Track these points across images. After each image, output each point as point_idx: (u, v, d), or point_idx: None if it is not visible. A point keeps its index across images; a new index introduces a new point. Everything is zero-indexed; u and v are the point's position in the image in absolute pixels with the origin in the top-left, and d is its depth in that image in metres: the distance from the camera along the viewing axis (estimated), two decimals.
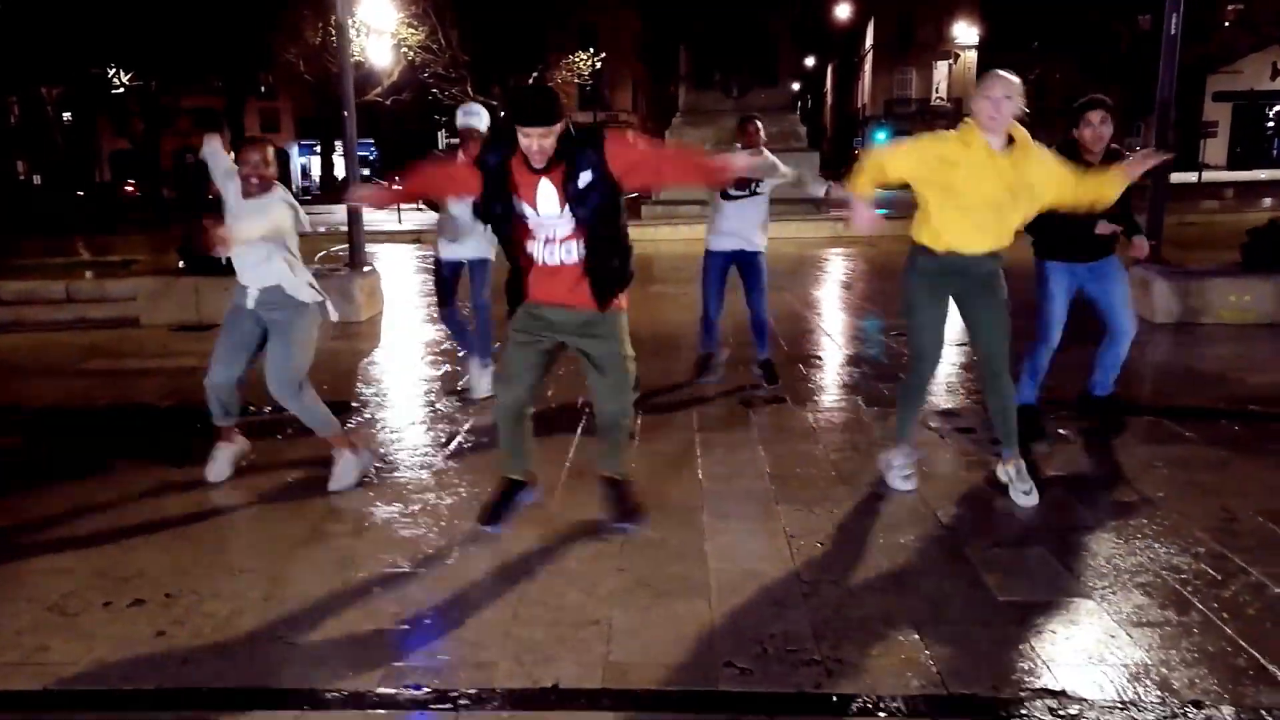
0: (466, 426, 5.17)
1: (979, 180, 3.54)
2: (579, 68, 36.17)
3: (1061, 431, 4.79)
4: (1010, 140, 3.55)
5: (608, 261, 3.27)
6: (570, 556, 3.43)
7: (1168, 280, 7.75)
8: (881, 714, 2.44)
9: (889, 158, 3.74)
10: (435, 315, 7.73)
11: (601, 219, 3.20)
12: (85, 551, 3.55)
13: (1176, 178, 27.10)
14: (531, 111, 3.01)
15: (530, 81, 31.69)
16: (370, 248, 13.41)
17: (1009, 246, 3.76)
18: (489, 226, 3.41)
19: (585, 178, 3.12)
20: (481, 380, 5.71)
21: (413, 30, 29.45)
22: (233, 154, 4.32)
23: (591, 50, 36.55)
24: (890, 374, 6.20)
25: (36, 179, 39.12)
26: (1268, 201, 21.39)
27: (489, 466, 4.45)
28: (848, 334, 7.85)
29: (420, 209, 27.06)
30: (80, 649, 2.82)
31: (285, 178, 50.83)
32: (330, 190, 45.45)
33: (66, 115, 36.62)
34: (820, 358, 6.84)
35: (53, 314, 8.99)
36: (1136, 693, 2.49)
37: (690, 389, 5.87)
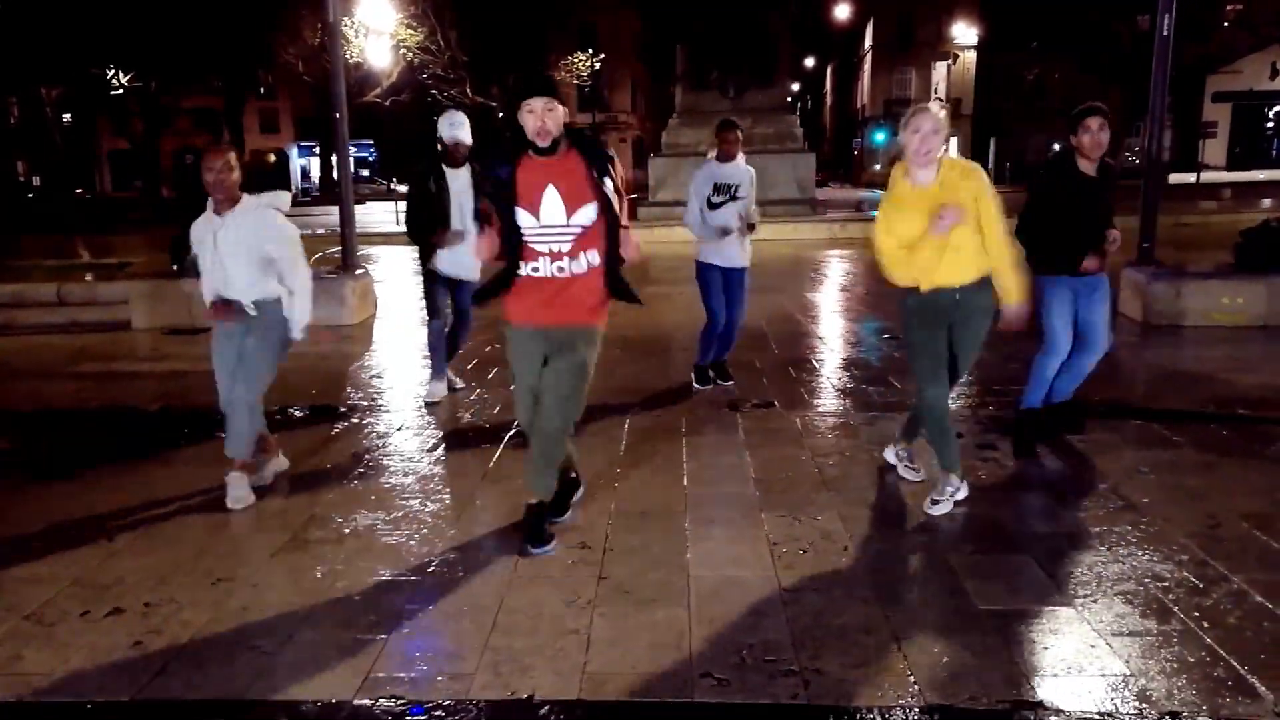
0: (453, 431, 5.15)
1: (919, 218, 3.58)
2: (578, 68, 36.15)
3: (1054, 438, 4.77)
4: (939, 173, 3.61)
5: (613, 272, 3.36)
6: (551, 563, 3.42)
7: (1160, 282, 7.73)
8: None
9: (894, 236, 3.70)
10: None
11: (610, 229, 3.29)
12: (65, 558, 3.54)
13: (1175, 178, 27.15)
14: (537, 83, 3.11)
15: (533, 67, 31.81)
16: (364, 249, 13.42)
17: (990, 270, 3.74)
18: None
19: (609, 184, 3.22)
20: (438, 386, 5.82)
21: (412, 31, 29.44)
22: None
23: (591, 51, 36.53)
24: (881, 378, 6.19)
25: (36, 179, 39.15)
26: (1267, 202, 21.37)
27: (472, 473, 4.45)
28: (840, 337, 7.84)
29: None
30: (56, 659, 2.81)
31: (285, 178, 50.83)
32: (330, 191, 45.48)
33: (66, 116, 36.66)
34: (812, 361, 6.82)
35: (44, 317, 8.98)
36: (1114, 703, 2.48)
37: (680, 391, 5.85)
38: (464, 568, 3.41)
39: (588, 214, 3.22)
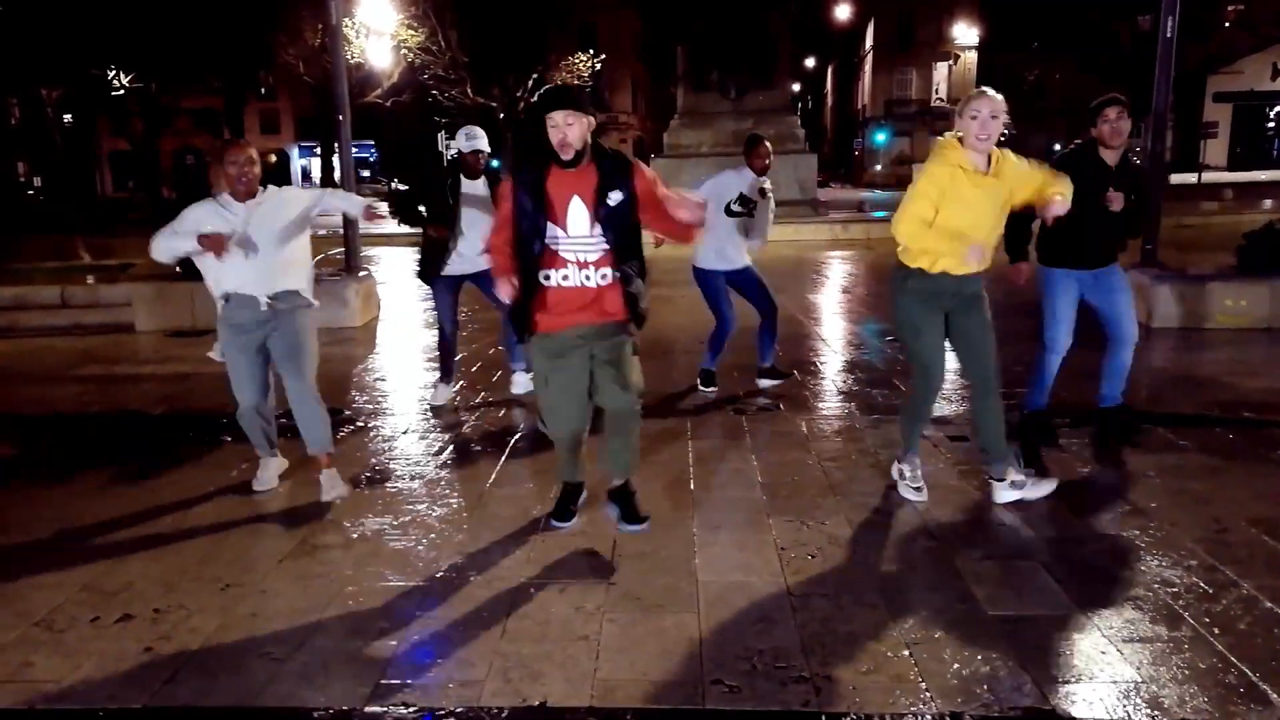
0: (461, 435, 5.15)
1: (975, 204, 3.55)
2: (578, 69, 36.15)
3: (1055, 440, 4.77)
4: (990, 158, 3.58)
5: (637, 283, 3.34)
6: (561, 569, 3.42)
7: (1164, 284, 7.73)
8: None
9: (920, 215, 3.63)
10: (433, 320, 7.71)
11: (630, 240, 3.28)
12: (74, 564, 3.54)
13: (1176, 179, 27.15)
14: (559, 96, 3.13)
15: (534, 80, 31.88)
16: (366, 250, 13.41)
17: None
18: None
19: (616, 196, 3.20)
20: (444, 391, 5.84)
21: (412, 32, 29.45)
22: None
23: (591, 51, 36.53)
24: (886, 380, 6.19)
25: (37, 180, 39.15)
26: (1268, 203, 21.36)
27: (479, 478, 4.44)
28: (844, 339, 7.84)
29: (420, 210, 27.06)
30: (66, 666, 2.81)
31: (285, 179, 50.93)
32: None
33: (67, 116, 36.65)
34: (815, 364, 6.82)
35: (47, 319, 8.98)
36: (1126, 711, 2.48)
37: (685, 395, 5.85)
38: (472, 574, 3.41)
39: (600, 230, 3.22)
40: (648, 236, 3.44)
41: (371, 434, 5.24)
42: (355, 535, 3.78)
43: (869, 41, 55.31)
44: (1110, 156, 4.48)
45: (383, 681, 2.70)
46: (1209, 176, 31.94)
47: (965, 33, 46.51)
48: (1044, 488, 3.93)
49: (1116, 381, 4.83)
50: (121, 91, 32.62)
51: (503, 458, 4.72)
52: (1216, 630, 2.87)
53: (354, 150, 9.21)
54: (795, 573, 3.34)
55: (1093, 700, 2.53)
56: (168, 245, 3.96)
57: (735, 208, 5.50)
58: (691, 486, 4.25)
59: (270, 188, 4.07)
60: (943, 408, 5.51)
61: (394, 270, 13.99)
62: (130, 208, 32.78)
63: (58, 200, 28.78)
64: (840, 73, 66.91)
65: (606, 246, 3.24)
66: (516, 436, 5.03)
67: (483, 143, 5.43)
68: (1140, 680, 2.62)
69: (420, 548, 3.65)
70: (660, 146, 22.10)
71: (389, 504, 4.13)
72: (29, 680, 2.74)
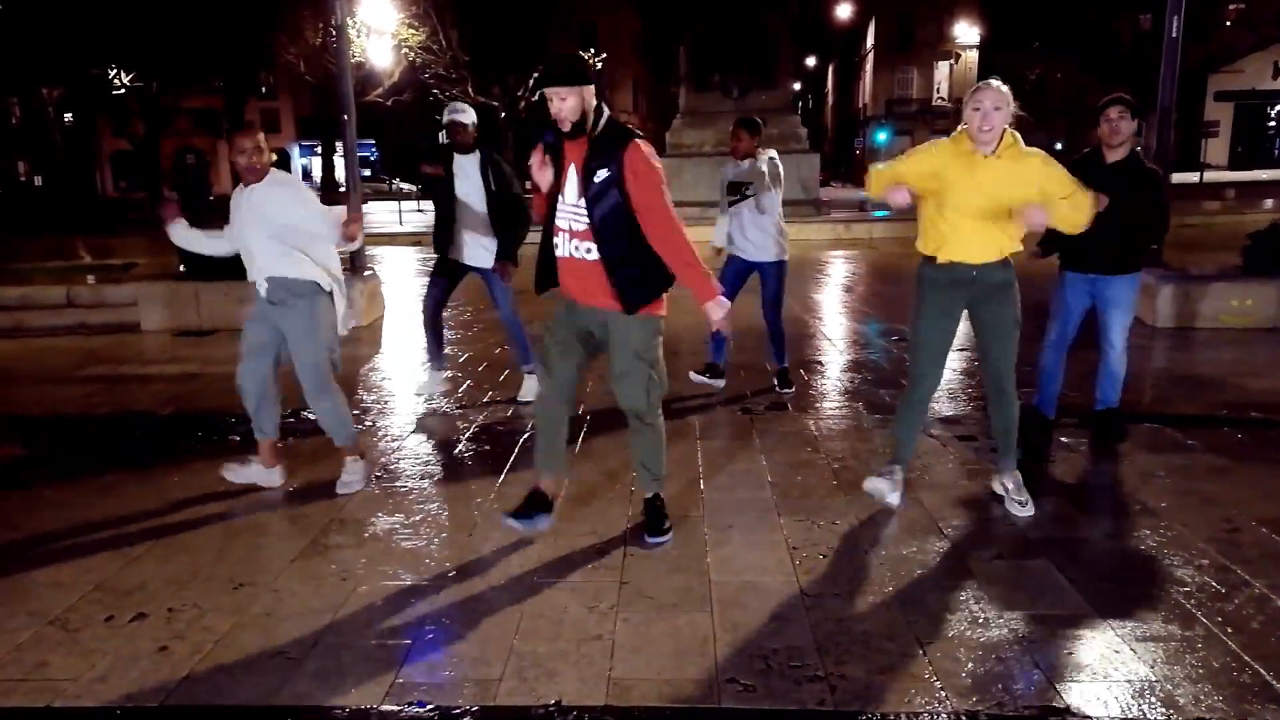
0: (469, 434, 5.16)
1: (972, 189, 3.52)
2: None
3: (1064, 440, 4.78)
4: (1000, 146, 3.53)
5: (627, 271, 3.27)
6: (573, 569, 3.42)
7: (1169, 284, 7.74)
8: None
9: (895, 167, 3.71)
10: (459, 319, 7.73)
11: (614, 224, 3.20)
12: (87, 564, 3.54)
13: (1177, 178, 27.13)
14: (549, 73, 3.14)
15: (535, 79, 31.85)
16: (370, 250, 13.42)
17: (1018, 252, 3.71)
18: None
19: (601, 174, 3.17)
20: (435, 377, 5.97)
21: (413, 31, 29.48)
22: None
23: (592, 50, 36.54)
24: (891, 379, 6.20)
25: (37, 180, 39.14)
26: (1269, 203, 21.37)
27: (489, 477, 4.45)
28: (849, 339, 7.84)
29: (420, 210, 27.12)
30: (82, 665, 2.82)
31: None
32: (331, 191, 45.44)
33: (67, 116, 36.63)
34: (821, 363, 6.83)
35: (52, 319, 8.98)
36: (1141, 710, 2.49)
37: (692, 395, 5.86)
38: (484, 572, 3.41)
39: (584, 204, 3.22)
40: None
41: (380, 433, 5.24)
42: (366, 535, 3.79)
43: (870, 41, 55.33)
44: (1112, 155, 4.49)
45: (398, 680, 2.70)
46: (1210, 176, 31.95)
47: (966, 32, 46.54)
48: (1027, 510, 3.82)
49: (1102, 386, 4.83)
50: (122, 91, 32.63)
51: (512, 456, 4.73)
52: (1230, 629, 2.87)
53: (357, 149, 9.21)
54: (807, 572, 3.35)
55: (1107, 699, 2.54)
56: (183, 236, 4.27)
57: (730, 198, 5.56)
58: (701, 486, 4.26)
59: (273, 173, 4.06)
60: (952, 407, 5.52)
61: (398, 269, 13.99)
62: (129, 207, 32.76)
63: (59, 200, 28.76)
64: (841, 72, 66.92)
65: (587, 220, 3.23)
66: (525, 435, 5.04)
67: (467, 116, 5.40)
68: (1154, 679, 2.62)
69: (432, 547, 3.65)
70: (661, 146, 22.10)
71: (399, 503, 4.14)
72: (46, 679, 2.75)
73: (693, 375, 5.99)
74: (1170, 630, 2.89)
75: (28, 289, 9.52)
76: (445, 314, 6.14)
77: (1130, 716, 2.46)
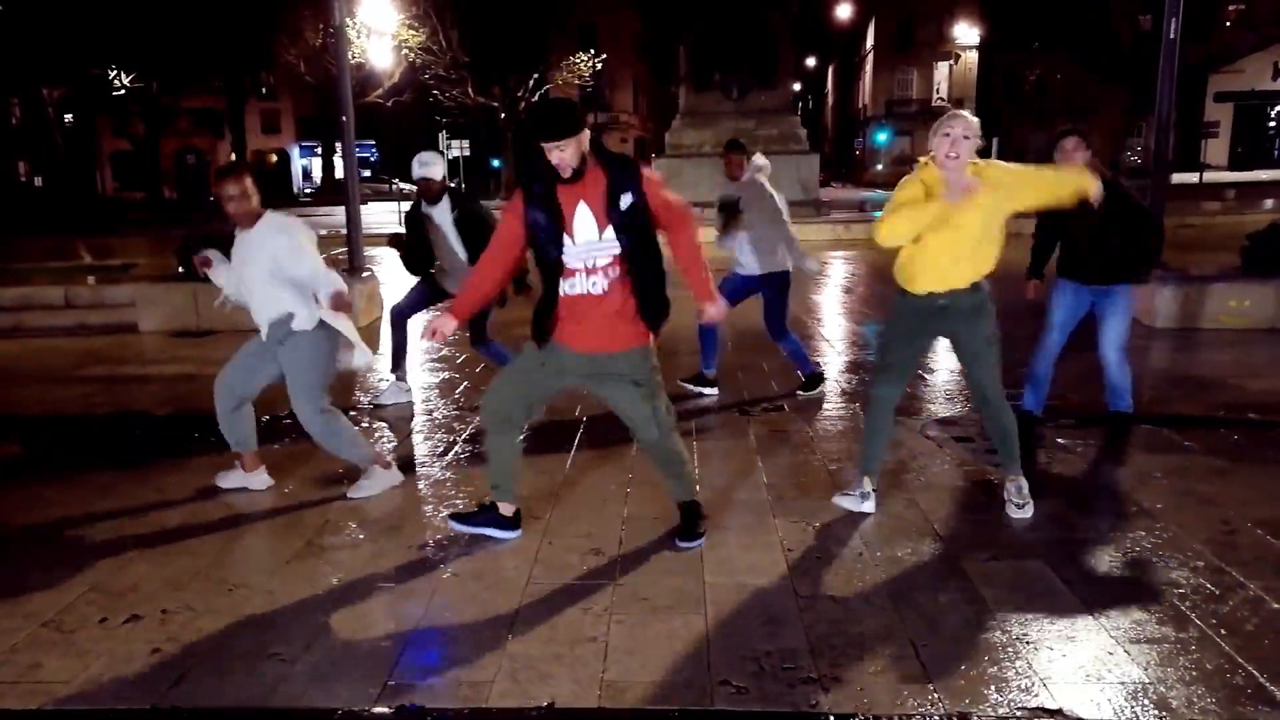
0: (465, 436, 5.16)
1: (951, 231, 3.52)
2: (579, 69, 36.18)
3: (1061, 441, 4.78)
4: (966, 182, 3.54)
5: (655, 291, 3.31)
6: (567, 571, 3.42)
7: (1168, 285, 7.73)
8: None
9: (899, 201, 3.61)
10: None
11: (645, 244, 3.24)
12: (81, 565, 3.54)
13: (1178, 179, 27.15)
14: (546, 128, 3.07)
15: (539, 96, 31.89)
16: (369, 251, 13.42)
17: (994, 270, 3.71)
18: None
19: (626, 199, 3.15)
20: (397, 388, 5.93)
21: (413, 32, 29.50)
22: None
23: (592, 51, 36.55)
24: None
25: (38, 180, 39.17)
26: (1269, 203, 21.36)
27: (484, 480, 4.43)
28: (847, 340, 7.84)
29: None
30: (75, 667, 2.81)
31: (286, 179, 50.78)
32: (331, 191, 45.45)
33: (67, 116, 36.66)
34: (820, 364, 6.81)
35: (51, 319, 8.99)
36: (1134, 712, 2.48)
37: (689, 397, 5.86)
38: (479, 575, 3.41)
39: (611, 235, 3.20)
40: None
41: (376, 434, 5.24)
42: (362, 536, 3.79)
43: (870, 41, 55.33)
44: None
45: (391, 682, 2.70)
46: (1210, 176, 31.96)
47: (966, 33, 46.51)
48: (1024, 513, 3.82)
49: (1113, 398, 4.95)
50: (122, 91, 32.66)
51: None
52: (1224, 631, 2.87)
53: (356, 150, 9.21)
54: (802, 574, 3.35)
55: (1100, 701, 2.53)
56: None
57: (720, 214, 5.58)
58: (697, 488, 4.25)
59: (269, 215, 4.01)
60: (949, 409, 5.52)
61: (396, 271, 13.97)
62: (128, 207, 32.78)
63: (59, 200, 28.80)
64: (841, 72, 66.94)
65: (618, 251, 3.20)
66: (520, 438, 5.02)
67: (433, 169, 5.36)
68: (1148, 681, 2.62)
69: (427, 549, 3.65)
70: (661, 146, 22.11)
71: (394, 506, 4.13)
72: (39, 681, 2.74)
73: (680, 382, 5.97)
74: (1165, 632, 2.88)
75: (27, 289, 9.52)
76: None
77: (1124, 718, 2.46)
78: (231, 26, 30.71)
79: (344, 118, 8.82)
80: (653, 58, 51.84)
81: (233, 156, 39.33)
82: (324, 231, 18.79)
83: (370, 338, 8.38)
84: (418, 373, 6.81)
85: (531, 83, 36.17)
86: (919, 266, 3.64)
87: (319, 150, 48.02)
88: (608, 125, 48.93)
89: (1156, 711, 2.48)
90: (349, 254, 9.30)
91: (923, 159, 3.60)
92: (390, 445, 5.05)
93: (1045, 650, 2.79)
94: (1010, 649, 2.80)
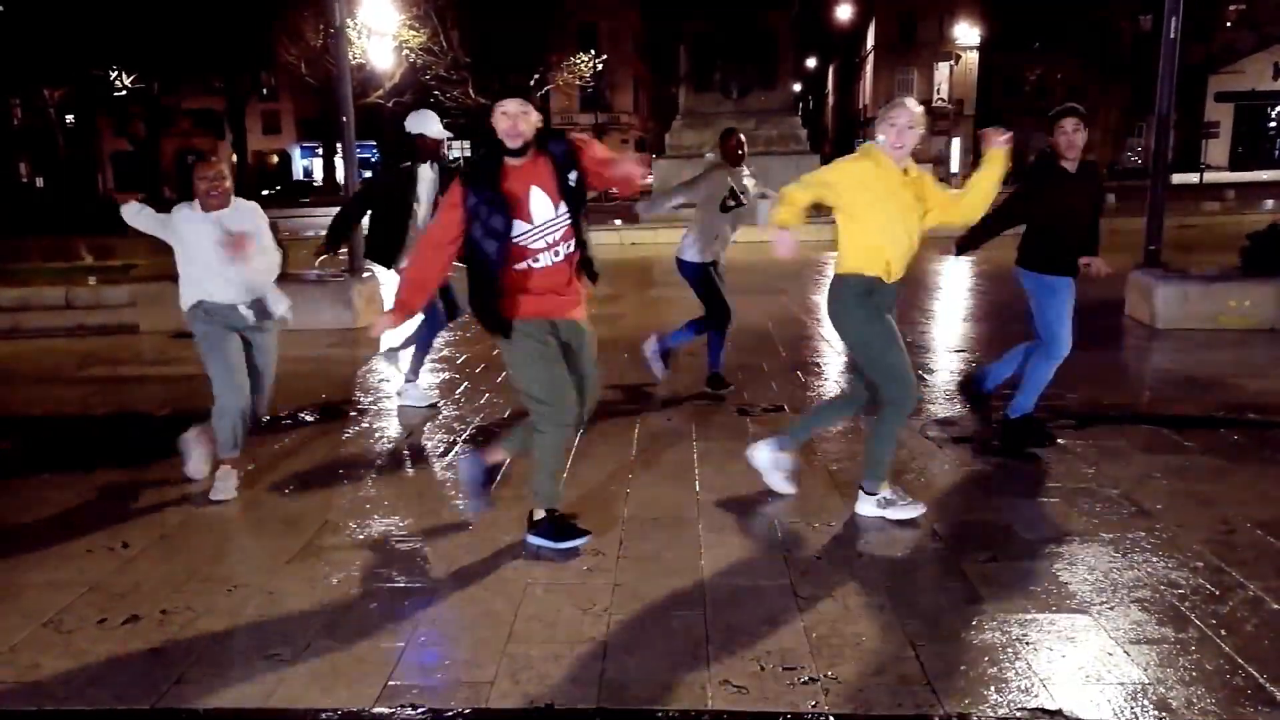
0: (465, 435, 5.16)
1: (894, 200, 3.61)
2: (580, 69, 36.19)
3: (1060, 441, 4.77)
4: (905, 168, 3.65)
5: (586, 250, 3.50)
6: (567, 571, 3.42)
7: (1168, 285, 7.73)
8: None
9: (804, 190, 3.80)
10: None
11: (583, 207, 3.45)
12: (80, 565, 3.54)
13: (1178, 179, 27.13)
14: (511, 88, 3.32)
15: (536, 79, 31.98)
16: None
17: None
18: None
19: (574, 176, 3.34)
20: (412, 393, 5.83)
21: (414, 32, 29.47)
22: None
23: (593, 52, 36.55)
24: None
25: (39, 181, 39.19)
26: (1269, 203, 21.34)
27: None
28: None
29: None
30: (74, 667, 2.81)
31: (287, 179, 50.69)
32: (332, 192, 45.44)
33: (68, 117, 36.68)
34: (819, 364, 6.82)
35: (51, 320, 8.99)
36: (1134, 712, 2.48)
37: (687, 397, 5.86)
38: (479, 575, 3.41)
39: (564, 208, 3.37)
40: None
41: (376, 434, 5.24)
42: (361, 537, 3.79)
43: (870, 41, 55.31)
44: (1070, 165, 4.52)
45: (391, 683, 2.70)
46: (1210, 177, 31.94)
47: (967, 32, 46.44)
48: (912, 510, 3.81)
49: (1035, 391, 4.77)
50: (123, 92, 32.67)
51: (508, 459, 4.71)
52: (1224, 632, 2.87)
53: (356, 151, 9.21)
54: (802, 574, 3.34)
55: (1100, 701, 2.53)
56: (145, 221, 4.20)
57: (730, 202, 5.55)
58: (697, 488, 4.26)
59: (239, 201, 4.20)
60: (948, 409, 5.51)
61: (393, 271, 13.96)
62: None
63: (60, 200, 28.81)
64: (841, 72, 66.91)
65: (569, 221, 3.38)
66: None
67: (436, 126, 5.45)
68: (1148, 682, 2.62)
69: (427, 549, 3.65)
70: (661, 146, 22.10)
71: (395, 505, 4.13)
72: (38, 681, 2.74)
73: (708, 388, 5.90)
74: (1164, 633, 2.88)
75: (26, 290, 9.52)
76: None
77: (1123, 719, 2.45)
78: (232, 27, 30.72)
79: (344, 118, 8.83)
80: (653, 58, 51.84)
81: (234, 158, 39.32)
82: (325, 232, 18.79)
83: (369, 339, 8.36)
84: (424, 375, 6.79)
85: (532, 83, 36.18)
86: (890, 255, 3.66)
87: (320, 151, 48.07)
88: (608, 126, 48.93)
89: (1156, 712, 2.48)
90: (349, 255, 9.29)
91: (868, 143, 3.74)
92: (389, 445, 5.04)
93: (1045, 651, 2.79)
94: (1010, 649, 2.80)
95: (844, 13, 44.14)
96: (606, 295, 9.91)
